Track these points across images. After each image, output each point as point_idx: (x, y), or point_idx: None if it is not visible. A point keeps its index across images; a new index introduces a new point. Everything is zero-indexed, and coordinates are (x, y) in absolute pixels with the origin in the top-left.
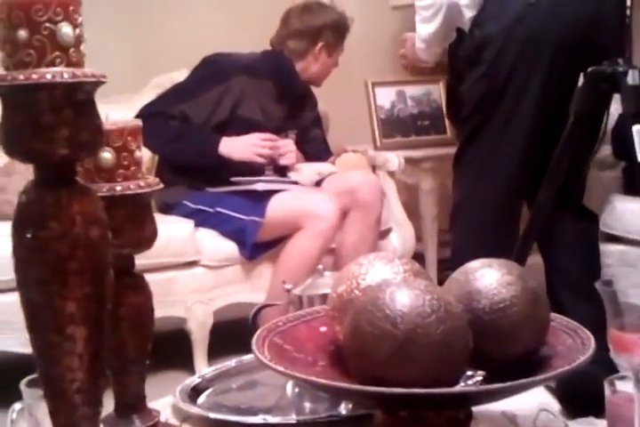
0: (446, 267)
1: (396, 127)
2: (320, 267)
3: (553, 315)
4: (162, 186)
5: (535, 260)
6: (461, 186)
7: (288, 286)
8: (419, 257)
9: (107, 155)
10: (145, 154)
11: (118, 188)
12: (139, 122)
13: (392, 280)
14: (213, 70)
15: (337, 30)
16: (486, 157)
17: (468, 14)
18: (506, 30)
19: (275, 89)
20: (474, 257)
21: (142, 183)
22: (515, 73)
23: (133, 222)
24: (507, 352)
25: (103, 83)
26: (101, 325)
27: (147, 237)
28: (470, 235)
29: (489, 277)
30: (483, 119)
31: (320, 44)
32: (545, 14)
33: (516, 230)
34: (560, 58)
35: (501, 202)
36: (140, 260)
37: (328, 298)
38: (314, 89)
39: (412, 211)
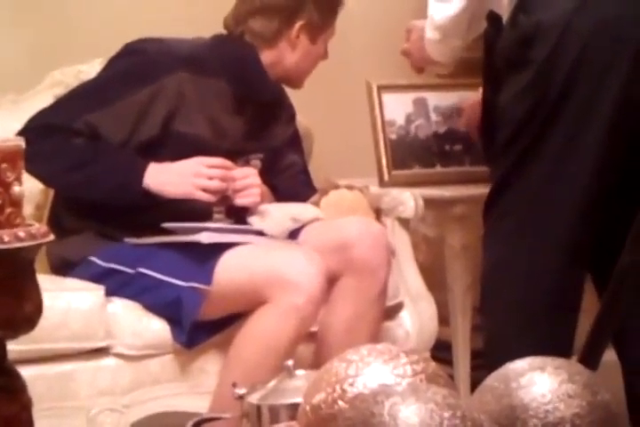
0: (479, 364)
1: (412, 153)
2: (289, 363)
3: None
4: (52, 237)
5: (611, 357)
6: (495, 248)
7: (241, 391)
8: (444, 347)
9: None
10: (35, 186)
11: None
12: (20, 141)
13: (394, 387)
14: (139, 64)
15: (323, 3)
16: (533, 204)
17: None
18: (565, 18)
19: (231, 92)
20: (516, 353)
21: (22, 233)
22: (577, 81)
23: (7, 292)
24: None
25: None
26: None
27: (26, 315)
28: (509, 321)
29: (540, 386)
30: (528, 148)
31: (299, 25)
32: None
33: (576, 314)
34: None
35: (555, 272)
36: (19, 345)
37: (299, 411)
38: (291, 94)
39: (435, 278)
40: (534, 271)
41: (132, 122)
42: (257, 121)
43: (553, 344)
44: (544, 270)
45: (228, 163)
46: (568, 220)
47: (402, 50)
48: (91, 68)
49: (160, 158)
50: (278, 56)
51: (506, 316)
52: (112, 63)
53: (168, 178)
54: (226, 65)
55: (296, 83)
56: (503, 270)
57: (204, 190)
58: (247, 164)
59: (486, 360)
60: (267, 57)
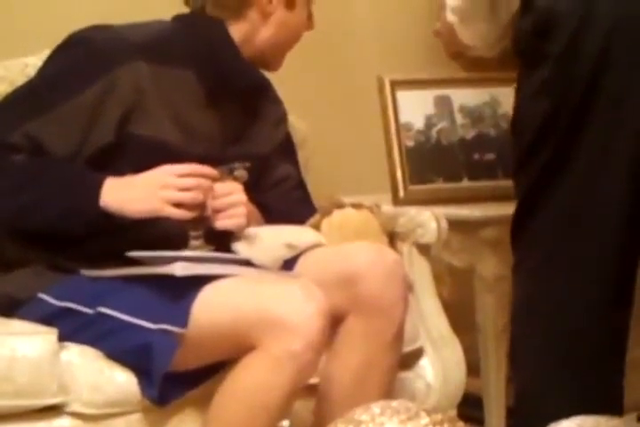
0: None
1: (434, 164)
2: (285, 424)
3: None
4: None
5: None
6: (524, 282)
7: None
8: (474, 403)
9: None
10: None
11: None
12: None
13: None
14: (85, 56)
15: None
16: (567, 228)
17: None
18: (584, 2)
19: (200, 83)
20: (551, 412)
21: None
22: (601, 79)
23: None
24: None
25: None
26: None
27: None
28: (542, 372)
29: None
30: (552, 159)
31: None
32: None
33: (623, 356)
34: None
35: (597, 312)
36: None
37: None
38: (283, 92)
39: (463, 317)
40: (571, 311)
41: (81, 128)
42: (236, 118)
43: (597, 400)
44: (583, 310)
45: (203, 169)
46: (611, 246)
47: (433, 31)
48: (39, 62)
49: (118, 171)
50: (250, 30)
51: (538, 366)
52: (53, 57)
53: (130, 193)
54: (191, 50)
55: (271, 63)
56: (533, 310)
57: (177, 205)
58: (230, 174)
59: (515, 421)
60: (236, 32)
